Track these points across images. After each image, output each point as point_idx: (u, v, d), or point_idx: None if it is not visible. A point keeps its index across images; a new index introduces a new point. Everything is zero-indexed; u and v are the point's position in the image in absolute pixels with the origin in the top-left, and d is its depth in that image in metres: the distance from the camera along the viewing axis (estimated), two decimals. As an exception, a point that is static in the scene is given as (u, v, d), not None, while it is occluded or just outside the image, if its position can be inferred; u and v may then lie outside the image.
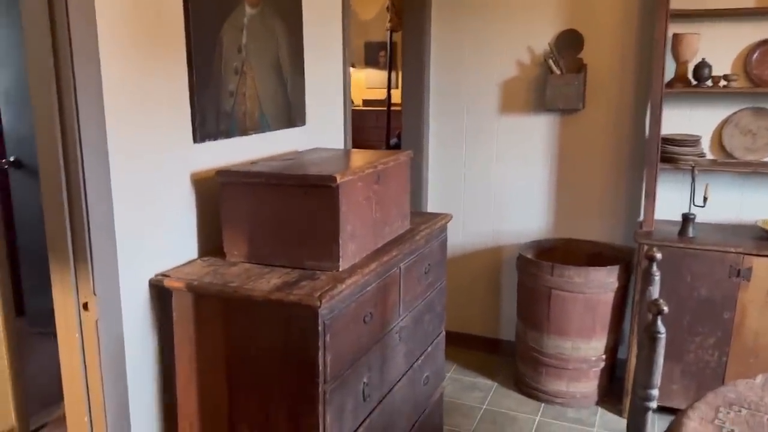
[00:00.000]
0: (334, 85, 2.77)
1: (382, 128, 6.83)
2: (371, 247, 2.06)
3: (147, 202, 1.81)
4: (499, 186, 3.84)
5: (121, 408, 1.75)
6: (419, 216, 2.56)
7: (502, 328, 4.00)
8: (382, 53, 8.03)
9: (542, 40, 3.56)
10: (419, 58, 3.75)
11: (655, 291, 1.73)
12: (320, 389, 1.72)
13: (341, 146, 2.86)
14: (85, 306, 1.65)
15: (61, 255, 1.63)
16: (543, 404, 3.43)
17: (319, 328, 1.68)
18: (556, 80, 3.49)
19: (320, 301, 1.65)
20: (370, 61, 8.35)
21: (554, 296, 3.31)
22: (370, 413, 2.02)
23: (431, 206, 4.02)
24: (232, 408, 1.85)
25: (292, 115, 2.43)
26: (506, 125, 3.76)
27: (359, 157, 2.19)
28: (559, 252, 3.71)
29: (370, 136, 7.48)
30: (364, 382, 1.95)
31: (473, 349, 4.03)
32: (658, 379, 1.34)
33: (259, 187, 1.89)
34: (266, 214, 1.90)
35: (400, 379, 2.25)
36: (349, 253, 1.90)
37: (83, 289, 1.65)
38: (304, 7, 2.45)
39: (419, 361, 2.41)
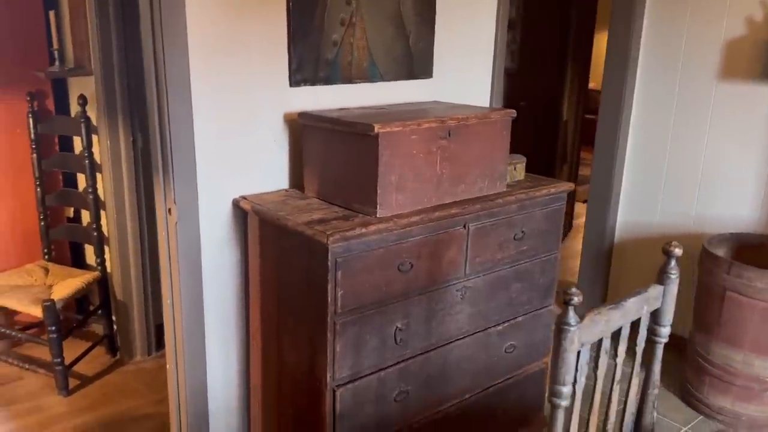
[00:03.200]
0: (481, 38, 2.73)
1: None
2: (432, 202, 2.08)
3: (237, 135, 2.13)
4: (709, 165, 3.33)
5: (195, 299, 2.15)
6: (533, 181, 2.45)
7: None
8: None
9: (781, -9, 2.92)
10: (629, 8, 3.37)
11: (667, 295, 1.44)
12: (329, 319, 1.87)
13: (485, 103, 2.82)
14: (169, 211, 2.06)
15: (156, 171, 2.05)
16: (700, 417, 3.01)
17: (329, 263, 1.82)
18: (786, 42, 2.85)
19: (328, 239, 1.79)
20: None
21: (728, 298, 2.83)
22: (408, 359, 2.10)
23: (626, 177, 3.66)
24: (279, 322, 2.12)
25: (414, 67, 2.50)
26: (725, 94, 3.21)
27: (453, 112, 2.18)
28: (765, 251, 3.10)
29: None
30: (397, 327, 2.04)
31: (655, 342, 3.63)
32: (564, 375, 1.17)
33: (327, 132, 2.07)
34: (330, 157, 2.08)
35: (462, 338, 2.25)
36: (393, 203, 1.97)
37: (168, 198, 2.05)
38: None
39: (499, 328, 2.37)
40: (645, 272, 3.74)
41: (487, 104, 2.84)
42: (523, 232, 2.32)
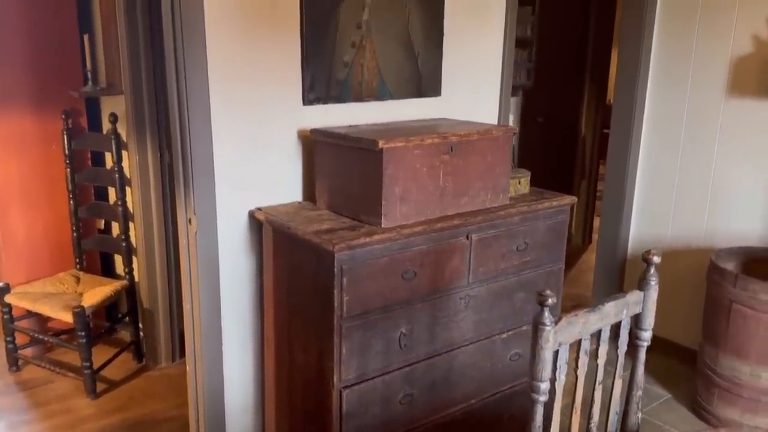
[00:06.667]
0: (489, 58, 2.85)
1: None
2: (436, 213, 2.19)
3: (253, 151, 2.28)
4: (719, 180, 3.38)
5: (213, 304, 2.29)
6: (537, 195, 2.54)
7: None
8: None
9: (785, 10, 2.98)
10: (639, 26, 3.46)
11: (647, 300, 1.51)
12: (336, 323, 1.99)
13: (494, 121, 2.93)
14: (190, 221, 2.21)
15: (178, 184, 2.21)
16: (710, 429, 3.03)
17: (335, 270, 1.94)
18: (790, 60, 2.91)
19: (334, 247, 1.91)
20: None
21: (735, 311, 2.88)
22: (412, 364, 2.20)
23: (637, 191, 3.73)
24: (290, 326, 2.24)
25: (422, 86, 2.63)
26: (733, 109, 3.27)
27: (456, 129, 2.30)
28: (774, 265, 3.14)
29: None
30: (401, 332, 2.14)
31: (669, 356, 3.66)
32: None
33: (336, 147, 2.20)
34: (339, 170, 2.21)
35: (466, 345, 2.35)
36: (397, 214, 2.09)
37: (188, 209, 2.20)
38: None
39: (503, 336, 2.45)
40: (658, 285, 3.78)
41: (494, 118, 2.94)
42: (526, 243, 2.42)
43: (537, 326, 1.31)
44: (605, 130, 6.00)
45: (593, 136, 5.81)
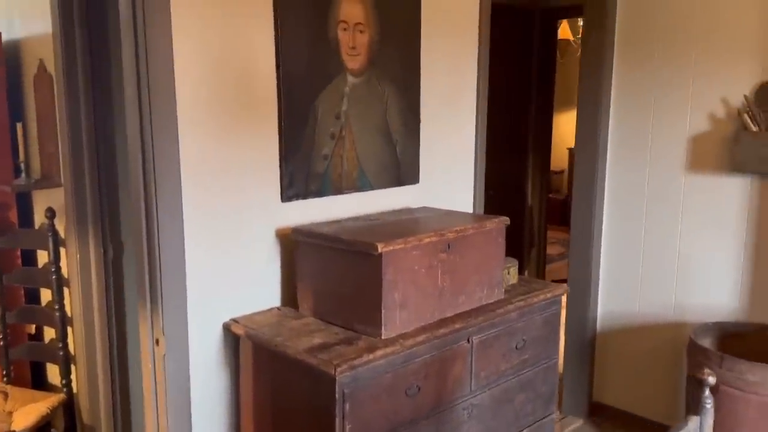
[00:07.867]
0: (462, 144, 2.76)
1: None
2: (435, 316, 2.01)
3: (228, 255, 2.04)
4: (685, 254, 3.37)
5: (184, 435, 1.98)
6: (527, 285, 2.41)
7: (683, 416, 3.47)
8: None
9: (740, 90, 3.06)
10: (595, 102, 3.49)
11: (704, 426, 1.39)
12: (338, 457, 1.74)
13: (469, 206, 2.82)
14: (157, 342, 1.93)
15: (142, 300, 1.93)
16: None
17: (336, 395, 1.71)
18: (751, 138, 2.97)
19: (335, 369, 1.68)
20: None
21: (722, 392, 2.80)
22: (417, 489, 1.97)
23: (603, 269, 3.69)
24: (276, 454, 1.96)
25: (401, 175, 2.49)
26: (695, 185, 3.30)
27: (446, 222, 2.16)
28: (750, 340, 3.12)
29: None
30: (405, 456, 1.91)
31: (646, 434, 3.56)
32: None
33: (321, 248, 2.00)
34: (327, 274, 2.00)
35: (470, 459, 2.14)
36: (398, 322, 1.89)
37: (156, 328, 1.92)
38: (425, 69, 2.51)
39: (505, 443, 2.26)
40: (629, 362, 3.71)
41: (470, 203, 2.84)
42: (524, 339, 2.26)
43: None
44: (550, 195, 6.12)
45: (540, 203, 5.85)
